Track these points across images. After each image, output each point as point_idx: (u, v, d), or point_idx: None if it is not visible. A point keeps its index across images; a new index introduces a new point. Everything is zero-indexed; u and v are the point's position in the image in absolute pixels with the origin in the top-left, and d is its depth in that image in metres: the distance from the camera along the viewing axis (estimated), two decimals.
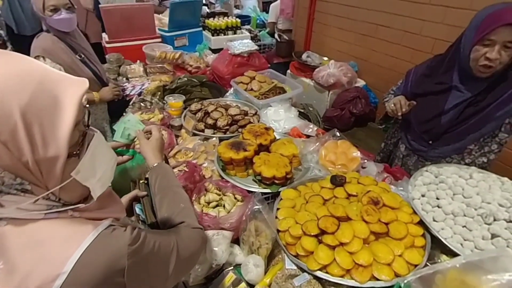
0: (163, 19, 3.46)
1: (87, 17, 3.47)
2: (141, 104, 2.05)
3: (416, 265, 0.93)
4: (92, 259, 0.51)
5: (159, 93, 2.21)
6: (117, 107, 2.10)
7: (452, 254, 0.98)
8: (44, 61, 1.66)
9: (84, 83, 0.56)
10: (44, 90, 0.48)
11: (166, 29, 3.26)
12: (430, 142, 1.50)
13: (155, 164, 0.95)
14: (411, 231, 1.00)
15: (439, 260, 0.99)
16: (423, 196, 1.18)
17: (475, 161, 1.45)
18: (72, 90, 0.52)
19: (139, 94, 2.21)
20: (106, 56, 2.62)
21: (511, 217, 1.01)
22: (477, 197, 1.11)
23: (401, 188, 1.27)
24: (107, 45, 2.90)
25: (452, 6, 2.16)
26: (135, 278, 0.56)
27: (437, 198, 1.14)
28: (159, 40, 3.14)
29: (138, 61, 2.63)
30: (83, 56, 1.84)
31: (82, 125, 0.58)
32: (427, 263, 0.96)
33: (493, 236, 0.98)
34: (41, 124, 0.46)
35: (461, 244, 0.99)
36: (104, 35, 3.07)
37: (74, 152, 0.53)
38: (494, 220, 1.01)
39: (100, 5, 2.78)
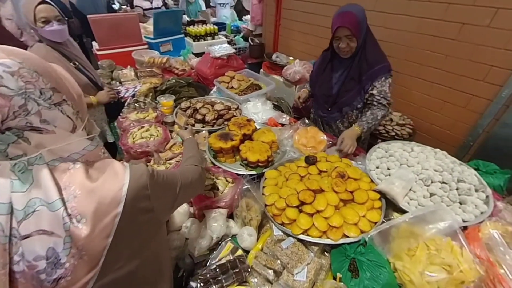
0: (148, 27, 3.24)
1: None
2: (136, 104, 1.94)
3: (375, 223, 0.98)
4: (133, 185, 0.56)
5: (151, 94, 2.10)
6: (114, 108, 1.97)
7: (402, 211, 1.04)
8: None
9: None
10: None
11: (152, 36, 3.06)
12: (329, 109, 1.68)
13: (187, 138, 1.20)
14: (371, 196, 1.05)
15: (392, 217, 1.05)
16: (377, 167, 1.23)
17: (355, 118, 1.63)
18: None
19: (133, 96, 2.08)
20: (99, 63, 2.42)
21: (444, 179, 1.08)
22: (418, 165, 1.18)
23: (360, 163, 1.32)
24: (98, 53, 2.68)
25: (391, 12, 2.21)
26: (155, 195, 0.61)
27: (388, 169, 1.20)
28: (146, 46, 2.95)
29: (129, 66, 2.45)
30: (77, 63, 1.66)
31: None
32: (384, 220, 1.01)
33: (431, 194, 1.06)
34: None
35: (408, 203, 1.05)
36: (94, 43, 2.83)
37: None
38: (432, 182, 1.09)
39: (88, 16, 2.53)
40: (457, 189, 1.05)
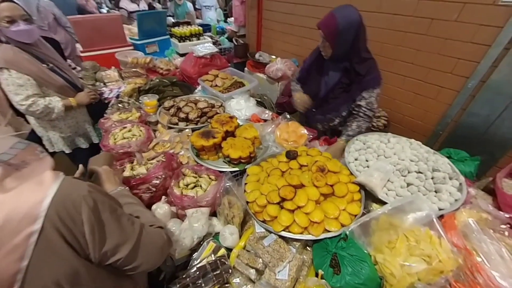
0: (133, 29, 3.01)
1: None
2: (119, 105, 1.77)
3: (355, 215, 0.91)
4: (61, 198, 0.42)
5: (135, 94, 1.94)
6: (98, 109, 1.79)
7: (380, 202, 0.97)
8: (9, 72, 1.30)
9: None
10: None
11: (137, 37, 2.85)
12: (314, 110, 1.54)
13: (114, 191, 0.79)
14: (350, 189, 0.97)
15: (371, 208, 0.97)
16: (356, 159, 1.16)
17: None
18: None
19: (117, 97, 1.91)
20: (82, 64, 2.21)
21: (420, 169, 1.02)
22: (394, 156, 1.11)
23: None
24: (82, 54, 2.46)
25: (365, 10, 2.12)
26: (90, 226, 0.44)
27: (367, 160, 1.12)
28: (131, 48, 2.74)
29: (113, 67, 2.26)
30: (51, 65, 1.46)
31: None
32: (364, 212, 0.94)
33: (408, 184, 0.99)
34: None
35: (386, 194, 0.98)
36: (78, 45, 2.60)
37: None
38: (408, 172, 1.02)
39: (68, 17, 2.30)
40: (432, 178, 0.99)
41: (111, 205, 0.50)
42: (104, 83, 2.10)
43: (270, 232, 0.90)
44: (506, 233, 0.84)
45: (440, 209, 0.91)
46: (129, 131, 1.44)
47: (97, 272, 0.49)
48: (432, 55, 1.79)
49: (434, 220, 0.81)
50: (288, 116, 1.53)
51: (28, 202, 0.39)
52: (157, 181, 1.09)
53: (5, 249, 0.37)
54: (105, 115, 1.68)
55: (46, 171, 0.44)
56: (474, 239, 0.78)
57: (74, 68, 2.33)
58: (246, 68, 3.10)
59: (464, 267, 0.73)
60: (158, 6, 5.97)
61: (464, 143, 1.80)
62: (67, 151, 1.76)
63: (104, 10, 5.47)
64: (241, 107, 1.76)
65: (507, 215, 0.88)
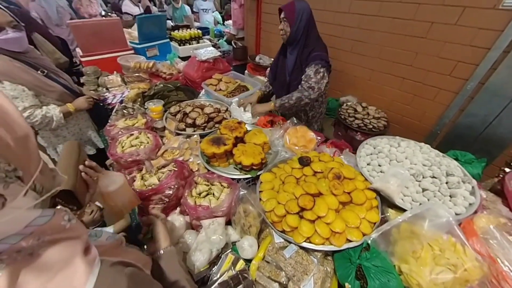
0: (133, 32, 2.88)
1: None
2: (124, 111, 1.68)
3: (375, 223, 0.86)
4: None
5: (139, 99, 1.84)
6: (102, 115, 1.70)
7: (396, 207, 0.93)
8: (2, 84, 1.16)
9: None
10: None
11: (137, 41, 2.73)
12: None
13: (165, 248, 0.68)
14: (368, 195, 0.93)
15: (388, 214, 0.93)
16: (368, 164, 1.11)
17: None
18: None
19: (121, 102, 1.81)
20: (83, 69, 2.09)
21: (434, 173, 0.98)
22: (406, 160, 1.07)
23: (342, 156, 1.19)
24: (82, 59, 2.33)
25: (365, 13, 2.07)
26: None
27: (379, 165, 1.08)
28: (132, 52, 2.62)
29: (115, 71, 2.15)
30: (46, 71, 1.32)
31: None
32: (382, 218, 0.90)
33: (423, 189, 0.95)
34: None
35: (402, 199, 0.94)
36: (78, 50, 2.47)
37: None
38: (423, 177, 0.98)
39: (68, 21, 2.17)
40: (446, 182, 0.96)
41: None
42: (107, 88, 2.00)
43: (290, 243, 0.85)
44: None
45: (456, 214, 0.88)
46: (137, 138, 1.36)
47: None
48: (431, 57, 1.76)
49: (455, 227, 0.78)
50: (295, 120, 1.48)
51: None
52: (170, 191, 1.02)
53: None
54: (109, 121, 1.59)
55: (74, 258, 0.31)
56: (496, 245, 0.75)
57: (78, 65, 2.21)
58: (246, 71, 3.02)
59: (489, 275, 0.69)
60: (154, 9, 5.79)
61: (461, 142, 1.80)
62: None
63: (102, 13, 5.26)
64: (246, 110, 1.69)
65: None
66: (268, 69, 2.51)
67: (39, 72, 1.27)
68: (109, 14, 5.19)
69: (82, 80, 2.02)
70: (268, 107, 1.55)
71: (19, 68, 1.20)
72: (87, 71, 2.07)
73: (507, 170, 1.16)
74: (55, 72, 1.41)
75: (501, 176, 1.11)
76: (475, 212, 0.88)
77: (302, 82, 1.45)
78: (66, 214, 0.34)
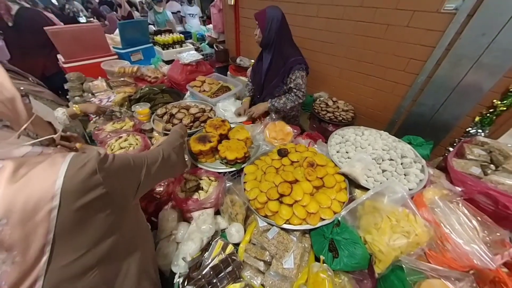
0: (115, 38, 2.71)
1: None
2: (112, 114, 1.59)
3: (344, 202, 0.91)
4: (73, 175, 0.42)
5: (126, 103, 1.75)
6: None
7: (361, 187, 0.99)
8: None
9: None
10: None
11: (120, 46, 2.57)
12: (258, 96, 1.69)
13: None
14: (337, 179, 0.97)
15: (355, 194, 0.98)
16: (337, 152, 1.16)
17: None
18: None
19: None
20: (66, 76, 1.93)
21: (391, 156, 1.05)
22: (369, 147, 1.13)
23: (316, 146, 1.23)
24: (65, 65, 2.16)
25: (331, 17, 2.10)
26: (109, 180, 0.47)
27: (347, 152, 1.13)
28: (116, 57, 2.46)
29: (100, 77, 2.02)
30: (32, 77, 1.21)
31: None
32: (350, 197, 0.95)
33: (383, 171, 1.02)
34: None
35: (366, 180, 1.00)
36: (59, 56, 2.27)
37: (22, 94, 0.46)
38: (382, 160, 1.04)
39: (45, 27, 1.98)
40: (401, 163, 1.03)
41: (121, 157, 0.52)
42: (93, 94, 1.87)
43: (272, 226, 0.87)
44: (460, 204, 0.90)
45: (410, 189, 0.95)
46: (125, 140, 1.30)
47: (127, 213, 0.55)
48: (389, 56, 1.84)
49: (408, 200, 0.84)
50: (274, 116, 1.49)
51: (40, 185, 0.39)
52: (161, 188, 1.01)
53: (27, 227, 0.38)
54: (97, 126, 1.50)
55: (56, 154, 0.43)
56: (440, 212, 0.82)
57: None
58: (228, 72, 2.98)
59: (435, 237, 0.77)
60: (136, 14, 5.45)
61: (415, 128, 1.92)
62: None
63: (83, 20, 4.85)
64: (229, 109, 1.68)
65: (459, 189, 0.95)
66: (249, 69, 2.52)
67: (30, 79, 1.15)
68: (88, 20, 4.81)
69: (66, 86, 1.87)
70: (264, 106, 1.55)
71: (11, 76, 1.08)
72: (71, 77, 1.92)
73: (451, 149, 1.27)
74: (39, 78, 1.28)
75: (446, 155, 1.22)
76: (424, 186, 0.96)
77: (296, 91, 1.47)
78: (55, 149, 0.49)
